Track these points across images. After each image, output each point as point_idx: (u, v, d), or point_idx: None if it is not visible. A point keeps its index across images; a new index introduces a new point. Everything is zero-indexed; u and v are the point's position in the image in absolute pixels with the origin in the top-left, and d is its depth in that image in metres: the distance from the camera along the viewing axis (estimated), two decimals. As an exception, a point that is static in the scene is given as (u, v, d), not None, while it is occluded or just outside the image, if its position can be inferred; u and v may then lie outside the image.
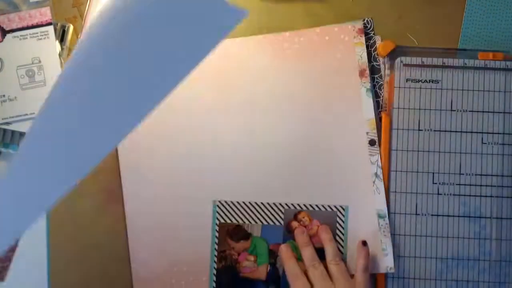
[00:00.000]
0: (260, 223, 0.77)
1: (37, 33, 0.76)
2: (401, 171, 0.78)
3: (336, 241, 0.77)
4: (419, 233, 0.77)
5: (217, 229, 0.77)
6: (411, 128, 0.78)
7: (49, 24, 0.76)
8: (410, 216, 0.77)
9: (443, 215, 0.77)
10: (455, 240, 0.77)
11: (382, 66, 0.80)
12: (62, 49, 0.77)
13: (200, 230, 0.77)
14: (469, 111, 0.78)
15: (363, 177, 0.78)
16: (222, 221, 0.77)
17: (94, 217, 0.77)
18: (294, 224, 0.77)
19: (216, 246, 0.76)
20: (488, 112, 0.78)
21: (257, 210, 0.77)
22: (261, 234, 0.77)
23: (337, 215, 0.77)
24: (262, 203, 0.77)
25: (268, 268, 0.77)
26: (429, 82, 0.79)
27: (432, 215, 0.77)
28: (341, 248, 0.77)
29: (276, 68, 0.79)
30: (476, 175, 0.78)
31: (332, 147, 0.78)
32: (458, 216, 0.78)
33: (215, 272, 0.76)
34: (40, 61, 0.76)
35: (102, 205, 0.77)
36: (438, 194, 0.78)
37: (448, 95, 0.79)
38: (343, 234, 0.77)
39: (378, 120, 0.79)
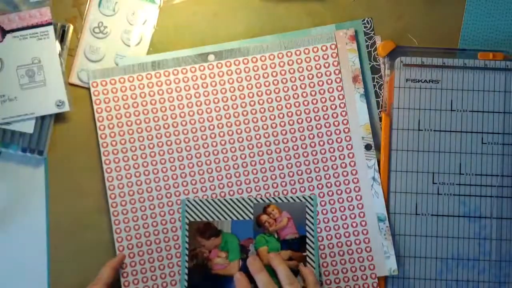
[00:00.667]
0: (230, 219, 0.77)
1: (37, 33, 0.76)
2: (401, 171, 0.78)
3: (307, 231, 0.77)
4: (419, 233, 0.77)
5: (187, 228, 0.76)
6: (411, 128, 0.78)
7: (49, 24, 0.76)
8: (410, 216, 0.77)
9: (443, 215, 0.77)
10: (455, 240, 0.77)
11: (382, 66, 0.80)
12: (62, 49, 0.77)
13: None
14: (469, 111, 0.78)
15: (361, 181, 0.78)
16: (192, 219, 0.76)
17: (94, 217, 0.77)
18: (264, 217, 0.77)
19: (187, 245, 0.76)
20: (488, 112, 0.78)
21: (226, 206, 0.77)
22: (232, 230, 0.77)
23: (306, 205, 0.77)
24: (231, 199, 0.77)
25: (240, 264, 0.76)
26: (429, 82, 0.79)
27: (432, 215, 0.77)
28: (311, 238, 0.77)
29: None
30: (476, 175, 0.78)
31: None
32: (458, 216, 0.78)
33: (187, 271, 0.76)
34: (40, 61, 0.76)
35: (102, 205, 0.77)
36: (438, 194, 0.78)
37: (448, 95, 0.79)
38: (312, 224, 0.77)
39: (378, 120, 0.79)
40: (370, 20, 0.80)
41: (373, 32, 0.80)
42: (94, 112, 0.77)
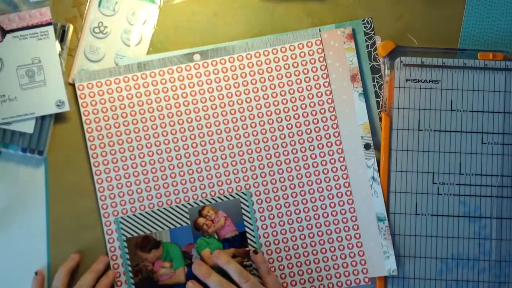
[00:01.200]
0: (167, 228, 0.76)
1: (37, 33, 0.76)
2: (401, 171, 0.78)
3: (246, 227, 0.77)
4: (419, 233, 0.77)
5: (126, 245, 0.76)
6: (411, 128, 0.78)
7: (49, 24, 0.76)
8: (410, 216, 0.77)
9: (443, 215, 0.77)
10: (455, 240, 0.77)
11: (382, 66, 0.80)
12: (62, 49, 0.77)
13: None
14: (469, 111, 0.78)
15: (360, 181, 0.78)
16: (129, 235, 0.76)
17: (94, 217, 0.77)
18: (201, 220, 0.77)
19: (129, 262, 0.76)
20: (488, 112, 0.78)
21: (161, 216, 0.76)
22: (171, 239, 0.76)
23: (240, 201, 0.77)
24: (164, 208, 0.77)
25: (186, 270, 0.76)
26: (429, 82, 0.79)
27: (432, 215, 0.77)
28: (251, 232, 0.77)
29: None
30: (476, 175, 0.78)
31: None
32: (458, 216, 0.78)
33: (133, 286, 0.75)
34: (40, 61, 0.76)
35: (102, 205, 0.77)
36: (438, 194, 0.78)
37: (448, 95, 0.79)
38: (250, 219, 0.77)
39: (378, 120, 0.79)
40: (370, 20, 0.80)
41: (373, 32, 0.80)
42: (81, 114, 0.77)
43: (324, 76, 0.79)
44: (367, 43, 0.80)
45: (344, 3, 0.81)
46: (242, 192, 0.77)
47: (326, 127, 0.78)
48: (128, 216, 0.76)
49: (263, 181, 0.78)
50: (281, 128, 0.78)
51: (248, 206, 0.77)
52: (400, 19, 0.81)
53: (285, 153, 0.78)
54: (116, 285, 0.76)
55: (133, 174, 0.77)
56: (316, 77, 0.79)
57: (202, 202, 0.77)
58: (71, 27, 0.78)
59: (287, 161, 0.78)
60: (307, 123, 0.78)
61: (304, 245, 0.77)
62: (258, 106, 0.78)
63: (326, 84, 0.78)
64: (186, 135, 0.77)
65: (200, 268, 0.74)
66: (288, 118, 0.78)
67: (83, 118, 0.77)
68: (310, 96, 0.78)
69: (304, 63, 0.79)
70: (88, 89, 0.77)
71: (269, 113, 0.78)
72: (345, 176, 0.78)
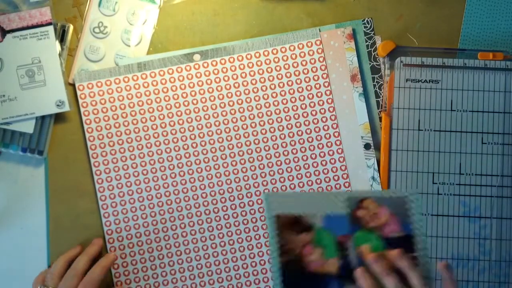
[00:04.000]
0: (321, 213, 0.70)
1: (37, 33, 0.76)
2: (401, 171, 0.78)
3: (414, 229, 0.70)
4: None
5: (274, 221, 0.70)
6: (411, 128, 0.78)
7: (49, 24, 0.76)
8: (410, 216, 0.77)
9: (443, 215, 0.77)
10: (455, 240, 0.77)
11: (382, 66, 0.80)
12: (62, 49, 0.77)
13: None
14: (469, 111, 0.78)
15: (360, 181, 0.78)
16: (278, 213, 0.70)
17: (94, 217, 0.77)
18: (361, 212, 0.70)
19: (276, 240, 0.70)
20: (488, 112, 0.78)
21: (315, 200, 0.71)
22: (324, 225, 0.70)
23: (410, 202, 0.70)
24: (320, 192, 0.76)
25: (339, 262, 0.69)
26: (429, 82, 0.79)
27: (432, 215, 0.77)
28: (419, 238, 0.69)
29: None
30: (476, 175, 0.78)
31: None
32: (458, 216, 0.78)
33: (279, 266, 0.70)
34: (40, 61, 0.76)
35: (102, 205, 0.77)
36: (438, 194, 0.78)
37: (448, 95, 0.79)
38: (421, 221, 0.70)
39: (378, 120, 0.79)
40: (370, 20, 0.80)
41: (373, 32, 0.80)
42: (81, 115, 0.77)
43: (324, 76, 0.79)
44: (367, 43, 0.80)
45: (344, 3, 0.81)
46: (411, 194, 0.70)
47: (326, 127, 0.78)
48: (277, 194, 0.75)
49: (263, 181, 0.78)
50: (281, 128, 0.78)
51: (417, 208, 0.70)
52: (400, 19, 0.81)
53: (285, 153, 0.78)
54: (116, 285, 0.76)
55: (133, 174, 0.77)
56: (316, 77, 0.79)
57: (364, 194, 0.71)
58: (71, 27, 0.78)
59: (287, 161, 0.78)
60: (307, 123, 0.78)
61: None
62: (258, 106, 0.78)
63: (326, 84, 0.79)
64: (186, 135, 0.78)
65: (381, 263, 0.66)
66: (288, 118, 0.78)
67: (83, 118, 0.77)
68: (310, 96, 0.78)
69: (304, 63, 0.79)
70: (88, 89, 0.77)
71: (269, 113, 0.78)
72: (345, 176, 0.78)
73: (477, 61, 0.79)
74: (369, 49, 0.80)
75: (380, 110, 0.79)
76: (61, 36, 0.78)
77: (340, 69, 0.79)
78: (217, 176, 0.77)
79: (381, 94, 0.80)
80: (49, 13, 0.76)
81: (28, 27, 0.76)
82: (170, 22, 0.80)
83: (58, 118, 0.78)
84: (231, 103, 0.78)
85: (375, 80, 0.80)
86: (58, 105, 0.76)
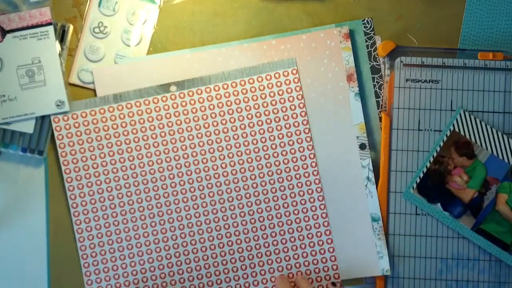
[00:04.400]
0: (490, 152, 0.77)
1: (37, 33, 0.76)
2: (401, 171, 0.78)
3: None
4: (419, 233, 0.77)
5: (447, 134, 0.77)
6: (411, 128, 0.78)
7: (49, 24, 0.76)
8: (410, 216, 0.77)
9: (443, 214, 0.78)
10: (455, 240, 0.77)
11: (382, 66, 0.80)
12: (62, 49, 0.77)
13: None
14: (469, 111, 0.78)
15: (355, 181, 0.78)
16: (456, 130, 0.77)
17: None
18: None
19: (438, 149, 0.77)
20: (488, 112, 0.78)
21: (497, 138, 0.77)
22: (485, 161, 0.77)
23: None
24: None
25: (475, 195, 0.77)
26: (429, 82, 0.79)
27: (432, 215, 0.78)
28: None
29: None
30: (476, 175, 0.78)
31: (322, 153, 0.78)
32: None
33: (425, 170, 0.77)
34: (40, 61, 0.76)
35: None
36: (438, 194, 0.78)
37: (448, 95, 0.79)
38: None
39: (378, 120, 0.79)
40: (370, 20, 0.80)
41: (373, 32, 0.80)
42: (57, 147, 0.76)
43: (301, 105, 0.78)
44: (367, 43, 0.80)
45: (344, 3, 0.81)
46: None
47: (303, 157, 0.78)
48: (472, 115, 0.77)
49: (240, 212, 0.78)
50: (258, 158, 0.78)
51: None
52: (400, 19, 0.81)
53: (263, 183, 0.78)
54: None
55: (109, 206, 0.76)
56: (293, 107, 0.78)
57: None
58: (71, 27, 0.78)
59: (265, 192, 0.78)
60: (284, 153, 0.78)
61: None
62: (235, 136, 0.78)
63: (303, 114, 0.78)
64: (163, 166, 0.77)
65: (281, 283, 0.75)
66: (265, 148, 0.78)
67: (59, 150, 0.76)
68: (287, 125, 0.78)
69: (280, 92, 0.78)
70: (63, 121, 0.76)
71: (246, 143, 0.78)
72: (322, 206, 0.78)
73: (477, 61, 0.79)
74: (369, 49, 0.80)
75: (380, 110, 0.79)
76: (61, 36, 0.78)
77: (336, 68, 0.79)
78: (194, 207, 0.77)
79: (381, 94, 0.80)
80: (49, 13, 0.76)
81: (28, 27, 0.76)
82: (170, 22, 0.80)
83: (58, 118, 0.78)
84: (207, 134, 0.78)
85: (375, 80, 0.80)
86: (58, 105, 0.76)
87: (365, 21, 0.80)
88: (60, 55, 0.76)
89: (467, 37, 0.81)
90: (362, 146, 0.78)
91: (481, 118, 0.78)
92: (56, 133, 0.76)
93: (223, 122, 0.78)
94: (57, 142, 0.76)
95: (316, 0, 0.81)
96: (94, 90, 0.78)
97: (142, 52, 0.79)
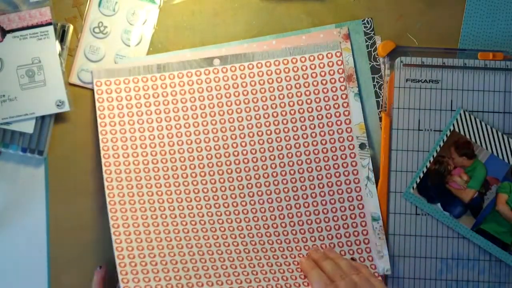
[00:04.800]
0: (490, 152, 0.77)
1: (37, 33, 0.76)
2: (401, 171, 0.78)
3: None
4: (419, 233, 0.77)
5: (447, 134, 0.77)
6: (411, 128, 0.78)
7: (49, 24, 0.76)
8: (410, 216, 0.77)
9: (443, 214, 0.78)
10: (455, 240, 0.77)
11: (382, 66, 0.80)
12: (62, 49, 0.77)
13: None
14: (469, 111, 0.78)
15: (355, 181, 0.78)
16: (456, 130, 0.77)
17: (94, 217, 0.77)
18: None
19: (438, 149, 0.77)
20: (488, 112, 0.78)
21: (491, 137, 0.77)
22: (485, 161, 0.77)
23: None
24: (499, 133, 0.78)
25: (475, 195, 0.77)
26: (429, 82, 0.79)
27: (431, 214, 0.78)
28: None
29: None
30: (476, 174, 0.78)
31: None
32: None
33: (425, 170, 0.77)
34: (40, 61, 0.76)
35: (102, 205, 0.77)
36: (438, 194, 0.78)
37: (448, 95, 0.79)
38: None
39: (378, 120, 0.79)
40: (370, 20, 0.80)
41: (373, 32, 0.80)
42: (96, 110, 0.77)
43: (342, 88, 0.78)
44: (367, 43, 0.80)
45: (344, 3, 0.81)
46: None
47: (341, 139, 0.78)
48: (469, 115, 0.77)
49: (276, 189, 0.78)
50: (296, 137, 0.78)
51: None
52: (400, 19, 0.81)
53: (299, 162, 0.78)
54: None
55: (143, 170, 0.76)
56: (334, 89, 0.78)
57: None
58: (71, 27, 0.78)
59: (299, 162, 0.78)
60: (322, 133, 0.78)
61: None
62: (275, 114, 0.78)
63: (344, 96, 0.78)
64: (201, 137, 0.77)
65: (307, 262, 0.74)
66: (303, 127, 0.78)
67: (98, 112, 0.76)
68: (327, 107, 0.78)
69: (323, 73, 0.79)
70: (106, 85, 0.77)
71: (285, 121, 0.78)
72: (356, 180, 0.78)
73: (477, 61, 0.79)
74: (369, 49, 0.80)
75: (380, 110, 0.79)
76: (61, 36, 0.78)
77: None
78: (229, 180, 0.77)
79: (381, 94, 0.80)
80: (49, 13, 0.76)
81: (28, 27, 0.76)
82: (170, 22, 0.80)
83: (58, 118, 0.78)
84: (247, 109, 0.78)
85: (375, 80, 0.80)
86: (58, 105, 0.76)
87: (365, 21, 0.80)
88: (60, 55, 0.76)
89: (467, 37, 0.81)
90: (362, 146, 0.78)
91: (481, 118, 0.78)
92: (96, 96, 0.77)
93: (263, 99, 0.78)
94: (97, 104, 0.77)
95: (316, 0, 0.81)
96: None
97: (142, 52, 0.79)
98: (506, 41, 0.81)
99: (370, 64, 0.80)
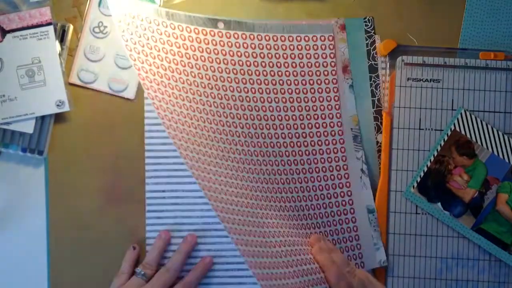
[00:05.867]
0: (490, 151, 0.77)
1: (37, 33, 0.76)
2: (402, 170, 0.78)
3: None
4: (419, 232, 0.77)
5: (448, 134, 0.77)
6: (412, 127, 0.78)
7: (49, 24, 0.76)
8: (410, 215, 0.77)
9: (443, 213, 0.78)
10: (455, 240, 0.77)
11: (383, 65, 0.80)
12: (62, 49, 0.77)
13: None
14: (470, 110, 0.78)
15: (350, 173, 0.78)
16: (457, 129, 0.77)
17: (94, 217, 0.78)
18: None
19: (439, 148, 0.77)
20: (489, 111, 0.78)
21: (492, 135, 0.78)
22: (485, 161, 0.77)
23: None
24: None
25: (475, 194, 0.77)
26: (430, 81, 0.79)
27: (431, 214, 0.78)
28: None
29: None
30: (476, 175, 0.78)
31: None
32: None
33: (425, 169, 0.77)
34: (40, 61, 0.76)
35: (102, 205, 0.77)
36: (438, 193, 0.78)
37: (449, 95, 0.78)
38: None
39: (372, 119, 0.79)
40: (371, 19, 0.80)
41: (373, 31, 0.80)
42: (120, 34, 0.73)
43: (333, 72, 0.79)
44: (367, 42, 0.80)
45: (345, 3, 0.81)
46: None
47: (332, 124, 0.78)
48: (471, 114, 0.77)
49: (277, 142, 0.78)
50: (287, 118, 0.78)
51: None
52: (400, 19, 0.81)
53: (289, 131, 0.78)
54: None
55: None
56: (326, 72, 0.79)
57: None
58: (71, 27, 0.78)
59: (290, 135, 0.78)
60: (308, 117, 0.79)
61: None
62: (267, 91, 0.78)
63: (334, 81, 0.79)
64: (203, 99, 0.76)
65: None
66: (292, 108, 0.78)
67: (121, 34, 0.73)
68: (320, 90, 0.79)
69: (316, 56, 0.79)
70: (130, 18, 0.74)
71: (276, 99, 0.79)
72: (345, 167, 0.78)
73: (478, 61, 0.79)
74: (368, 48, 0.80)
75: (375, 109, 0.79)
76: (61, 36, 0.78)
77: (331, 60, 0.79)
78: (234, 142, 0.76)
79: (377, 94, 0.79)
80: (49, 13, 0.76)
81: (28, 27, 0.76)
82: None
83: (58, 118, 0.78)
84: (243, 81, 0.78)
85: (372, 79, 0.79)
86: (58, 105, 0.76)
87: (366, 19, 0.80)
88: (60, 55, 0.77)
89: (467, 38, 0.81)
90: (355, 138, 0.78)
91: (482, 117, 0.78)
92: (116, 20, 0.73)
93: (257, 72, 0.79)
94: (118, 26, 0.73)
95: (316, 0, 0.81)
96: (94, 90, 0.78)
97: (142, 52, 0.79)
98: (507, 41, 0.81)
99: (368, 63, 0.80)
